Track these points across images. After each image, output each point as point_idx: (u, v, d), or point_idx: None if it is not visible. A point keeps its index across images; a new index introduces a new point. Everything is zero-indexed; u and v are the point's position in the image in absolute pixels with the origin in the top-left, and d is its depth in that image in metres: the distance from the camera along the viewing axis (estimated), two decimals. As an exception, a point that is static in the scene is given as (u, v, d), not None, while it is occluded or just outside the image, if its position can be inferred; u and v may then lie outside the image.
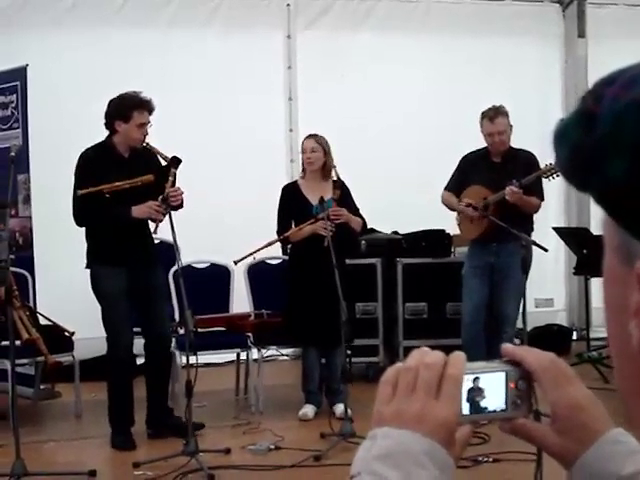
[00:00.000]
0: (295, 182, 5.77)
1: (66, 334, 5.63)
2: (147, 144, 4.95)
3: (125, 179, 4.84)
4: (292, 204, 5.56)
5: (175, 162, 4.86)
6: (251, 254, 5.66)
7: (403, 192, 7.22)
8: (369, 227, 6.52)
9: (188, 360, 4.53)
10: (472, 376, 0.89)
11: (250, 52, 7.34)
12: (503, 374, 0.91)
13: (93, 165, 4.89)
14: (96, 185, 4.80)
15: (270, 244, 5.62)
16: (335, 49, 7.55)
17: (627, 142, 0.54)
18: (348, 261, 5.68)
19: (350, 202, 5.58)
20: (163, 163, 4.95)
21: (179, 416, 4.99)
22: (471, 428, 0.88)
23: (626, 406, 0.61)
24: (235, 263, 5.77)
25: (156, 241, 5.25)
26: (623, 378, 0.61)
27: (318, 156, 5.52)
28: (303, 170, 5.68)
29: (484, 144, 5.78)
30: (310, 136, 5.62)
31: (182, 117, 6.88)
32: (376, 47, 7.60)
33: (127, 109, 4.89)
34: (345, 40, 7.58)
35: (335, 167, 5.58)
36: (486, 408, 0.90)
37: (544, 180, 5.58)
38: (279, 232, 5.54)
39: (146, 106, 4.92)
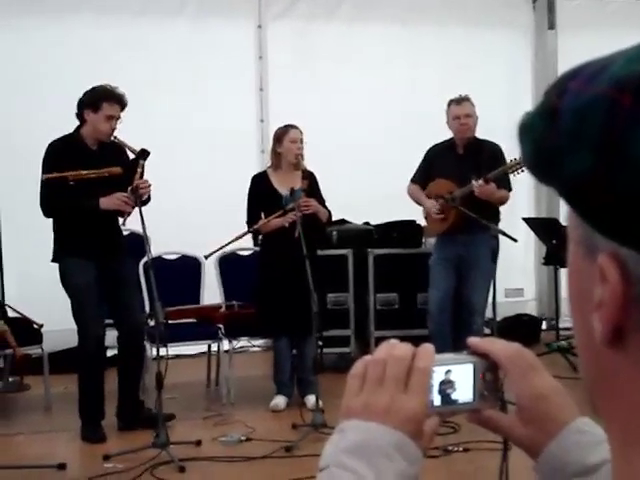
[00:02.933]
0: (264, 172, 5.71)
1: (35, 326, 5.58)
2: (115, 137, 4.91)
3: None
4: (261, 195, 5.52)
5: (143, 154, 4.84)
6: (221, 248, 5.63)
7: (374, 183, 7.21)
8: (340, 218, 6.54)
9: (158, 352, 4.51)
10: (444, 368, 0.89)
11: (221, 42, 7.30)
12: (471, 366, 0.91)
13: (61, 155, 4.84)
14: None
15: (240, 237, 5.58)
16: (306, 39, 7.52)
17: (589, 137, 0.54)
18: (319, 252, 5.67)
19: (318, 193, 5.55)
20: (132, 156, 4.91)
21: (149, 408, 4.97)
22: (439, 420, 0.88)
23: (591, 396, 0.62)
24: (206, 258, 5.73)
25: (126, 232, 5.21)
26: (588, 370, 0.62)
27: (302, 147, 5.51)
28: (275, 158, 5.59)
29: (452, 135, 5.81)
30: (295, 127, 5.54)
31: (151, 108, 6.82)
32: (347, 37, 7.59)
33: (97, 99, 4.86)
34: (316, 30, 7.56)
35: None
36: (456, 400, 0.91)
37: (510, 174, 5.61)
38: (248, 223, 5.51)
39: (117, 98, 4.88)
